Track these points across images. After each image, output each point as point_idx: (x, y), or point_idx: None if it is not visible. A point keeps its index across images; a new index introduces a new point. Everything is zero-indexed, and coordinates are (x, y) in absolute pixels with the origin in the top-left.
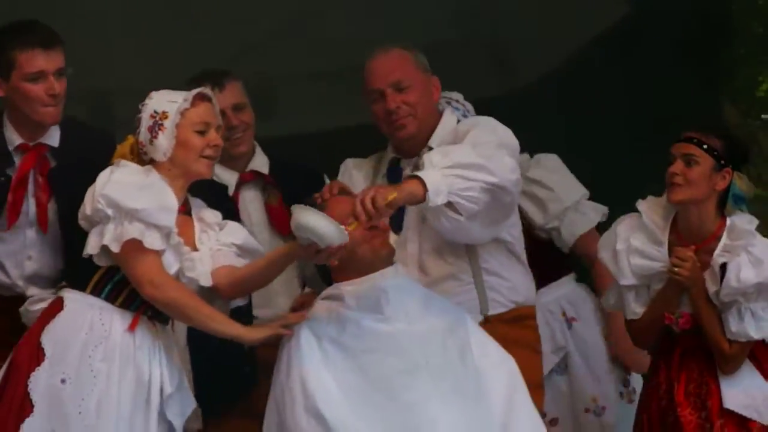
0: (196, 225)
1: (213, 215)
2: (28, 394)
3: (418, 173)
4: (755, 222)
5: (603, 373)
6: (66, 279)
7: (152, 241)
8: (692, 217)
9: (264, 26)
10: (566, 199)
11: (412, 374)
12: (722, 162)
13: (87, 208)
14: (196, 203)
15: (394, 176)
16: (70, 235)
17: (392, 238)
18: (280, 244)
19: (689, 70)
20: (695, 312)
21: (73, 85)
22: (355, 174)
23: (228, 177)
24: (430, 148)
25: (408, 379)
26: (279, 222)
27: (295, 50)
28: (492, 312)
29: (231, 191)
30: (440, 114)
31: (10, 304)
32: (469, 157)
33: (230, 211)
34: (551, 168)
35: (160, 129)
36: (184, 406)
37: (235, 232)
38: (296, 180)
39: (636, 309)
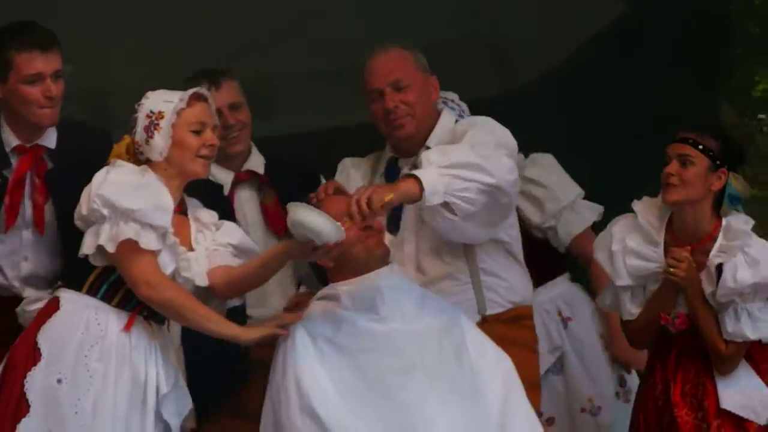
0: (192, 225)
1: (209, 215)
2: (25, 394)
3: (415, 172)
4: (751, 222)
5: (599, 372)
6: (62, 279)
7: (148, 241)
8: (688, 218)
9: (264, 26)
10: (563, 198)
11: (408, 374)
12: (718, 162)
13: (83, 208)
14: (192, 203)
15: (392, 176)
16: (66, 235)
17: (387, 238)
18: (275, 243)
19: (688, 70)
20: (691, 312)
21: (72, 85)
22: (353, 173)
23: (223, 176)
24: (428, 148)
25: (404, 378)
26: (274, 222)
27: (295, 50)
28: (489, 312)
29: (226, 191)
30: (438, 114)
31: (6, 304)
32: (467, 157)
33: (226, 210)
34: (547, 167)
35: (156, 129)
36: (180, 406)
37: (231, 232)
38: (292, 179)
39: (632, 309)
